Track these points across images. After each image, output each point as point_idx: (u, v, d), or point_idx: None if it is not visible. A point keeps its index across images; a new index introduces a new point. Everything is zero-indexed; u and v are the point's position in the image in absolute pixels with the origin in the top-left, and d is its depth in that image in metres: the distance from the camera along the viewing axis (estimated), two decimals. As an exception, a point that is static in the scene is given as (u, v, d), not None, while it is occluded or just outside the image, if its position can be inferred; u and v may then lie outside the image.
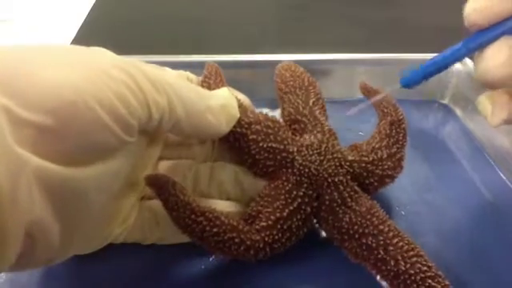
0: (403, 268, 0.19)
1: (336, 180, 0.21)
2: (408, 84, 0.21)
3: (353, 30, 0.50)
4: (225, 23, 0.51)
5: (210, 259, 0.22)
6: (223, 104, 0.20)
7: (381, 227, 0.20)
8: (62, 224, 0.15)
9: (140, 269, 0.21)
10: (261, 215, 0.20)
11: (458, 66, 0.35)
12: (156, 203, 0.20)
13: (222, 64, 0.33)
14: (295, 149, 0.21)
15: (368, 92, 0.25)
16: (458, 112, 0.35)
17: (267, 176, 0.22)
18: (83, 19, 0.51)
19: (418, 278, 0.19)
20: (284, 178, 0.21)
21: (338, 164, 0.21)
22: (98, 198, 0.16)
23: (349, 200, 0.21)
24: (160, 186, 0.19)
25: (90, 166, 0.15)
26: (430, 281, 0.18)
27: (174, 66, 0.34)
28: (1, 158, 0.12)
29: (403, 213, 0.25)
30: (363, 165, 0.22)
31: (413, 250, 0.19)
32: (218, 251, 0.20)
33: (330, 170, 0.21)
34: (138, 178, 0.20)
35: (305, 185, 0.21)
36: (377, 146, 0.23)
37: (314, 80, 0.25)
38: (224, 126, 0.20)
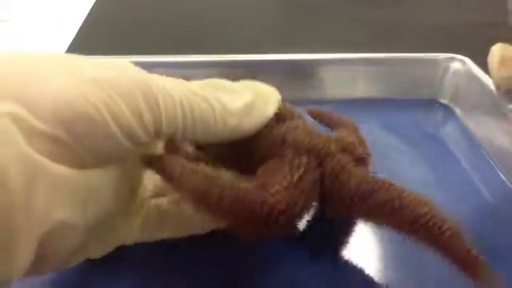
0: (422, 211, 0.18)
1: (331, 150, 0.21)
2: None
3: (353, 29, 0.50)
4: (225, 23, 0.51)
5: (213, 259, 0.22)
6: (247, 103, 0.19)
7: (388, 183, 0.19)
8: (84, 223, 0.15)
9: (138, 268, 0.21)
10: (269, 184, 0.19)
11: (457, 65, 0.35)
12: (162, 201, 0.19)
13: (222, 64, 0.33)
14: (283, 129, 0.21)
15: (317, 115, 0.25)
16: (458, 112, 0.35)
17: (257, 164, 0.21)
18: (83, 19, 0.51)
19: (438, 218, 0.18)
20: (280, 154, 0.20)
21: (327, 139, 0.21)
22: (115, 197, 0.17)
23: (350, 165, 0.20)
24: (162, 161, 0.18)
25: (105, 169, 0.16)
26: (450, 223, 0.18)
27: (174, 66, 0.34)
28: (15, 165, 0.12)
29: (403, 213, 0.25)
30: (346, 143, 0.22)
31: (424, 198, 0.19)
32: (237, 220, 0.18)
33: (322, 145, 0.21)
34: (142, 177, 0.20)
35: (304, 155, 0.20)
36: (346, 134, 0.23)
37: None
38: (250, 127, 0.19)
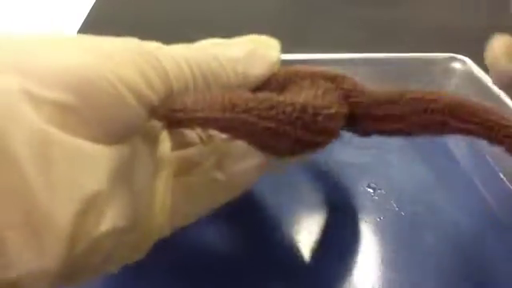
0: (456, 98, 0.17)
1: (347, 75, 0.20)
2: None
3: (353, 30, 0.50)
4: (225, 24, 0.51)
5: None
6: (250, 50, 0.19)
7: (410, 90, 0.18)
8: (117, 206, 0.15)
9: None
10: (295, 96, 0.18)
11: (458, 66, 0.35)
12: (188, 178, 0.19)
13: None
14: (294, 67, 0.20)
15: None
16: (458, 112, 0.35)
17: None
18: (83, 19, 0.51)
19: (472, 103, 0.17)
20: (297, 84, 0.19)
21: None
22: (141, 175, 0.16)
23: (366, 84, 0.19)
24: (173, 100, 0.16)
25: (125, 144, 0.15)
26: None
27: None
28: (28, 141, 0.12)
29: (403, 213, 0.25)
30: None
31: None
32: (271, 132, 0.16)
33: (337, 72, 0.20)
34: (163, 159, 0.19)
35: (321, 80, 0.19)
36: None
37: None
38: (259, 71, 0.19)
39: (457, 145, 0.31)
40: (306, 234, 0.23)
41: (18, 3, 0.57)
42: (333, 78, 0.19)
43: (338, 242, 0.23)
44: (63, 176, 0.13)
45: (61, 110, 0.13)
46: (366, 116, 0.19)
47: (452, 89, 0.35)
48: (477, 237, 0.24)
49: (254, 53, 0.19)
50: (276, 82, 0.20)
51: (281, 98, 0.16)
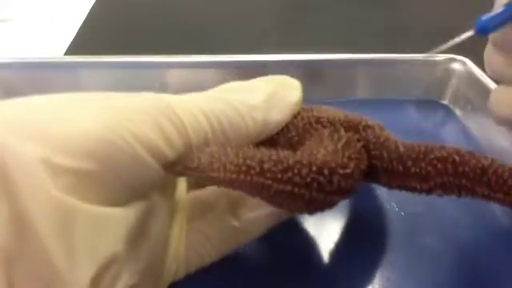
0: (486, 162, 0.17)
1: (370, 123, 0.19)
2: (483, 30, 0.20)
3: (353, 30, 0.50)
4: (225, 23, 0.51)
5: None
6: (270, 94, 0.18)
7: (439, 144, 0.18)
8: (136, 264, 0.15)
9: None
10: (313, 151, 0.17)
11: (458, 66, 0.35)
12: (201, 223, 0.19)
13: (222, 64, 0.33)
14: (315, 112, 0.20)
15: None
16: (458, 112, 0.35)
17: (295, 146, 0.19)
18: (83, 19, 0.51)
19: (507, 167, 0.16)
20: (317, 134, 0.19)
21: (362, 116, 0.20)
22: (157, 226, 0.16)
23: (391, 135, 0.19)
24: (189, 158, 0.15)
25: (143, 201, 0.15)
26: None
27: (174, 66, 0.34)
28: (48, 212, 0.12)
29: (403, 213, 0.25)
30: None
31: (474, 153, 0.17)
32: (286, 192, 0.15)
33: (359, 119, 0.19)
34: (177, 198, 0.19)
35: (342, 130, 0.19)
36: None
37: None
38: (279, 117, 0.19)
39: (456, 144, 0.31)
40: (306, 235, 0.23)
41: (18, 3, 0.58)
42: (356, 127, 0.19)
43: (338, 243, 0.23)
44: (81, 244, 0.13)
45: (80, 176, 0.13)
46: (386, 171, 0.18)
47: (452, 90, 0.35)
48: (477, 237, 0.24)
49: (273, 97, 0.19)
50: (296, 128, 0.19)
51: (297, 156, 0.16)
